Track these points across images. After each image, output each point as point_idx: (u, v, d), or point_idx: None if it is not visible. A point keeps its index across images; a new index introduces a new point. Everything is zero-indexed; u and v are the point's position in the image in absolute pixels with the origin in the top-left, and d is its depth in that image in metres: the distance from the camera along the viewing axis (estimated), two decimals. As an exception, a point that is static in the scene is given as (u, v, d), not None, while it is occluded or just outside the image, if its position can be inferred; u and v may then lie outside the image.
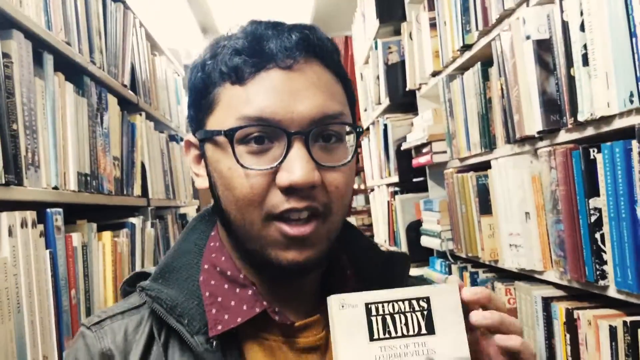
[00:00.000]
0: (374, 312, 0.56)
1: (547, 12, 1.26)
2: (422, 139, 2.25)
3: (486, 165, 1.69)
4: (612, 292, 1.12)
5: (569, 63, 1.18)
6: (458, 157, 1.96)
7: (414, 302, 0.57)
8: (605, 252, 1.11)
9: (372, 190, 3.52)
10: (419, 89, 2.43)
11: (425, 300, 0.57)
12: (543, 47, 1.29)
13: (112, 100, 1.74)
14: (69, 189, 1.36)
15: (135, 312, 0.67)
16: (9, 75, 1.10)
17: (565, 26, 1.18)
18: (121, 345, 0.65)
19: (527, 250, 1.45)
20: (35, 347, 1.09)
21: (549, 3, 1.26)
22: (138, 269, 1.82)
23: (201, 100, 0.65)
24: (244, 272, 0.67)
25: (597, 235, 1.12)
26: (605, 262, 1.11)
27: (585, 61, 1.12)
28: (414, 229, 2.52)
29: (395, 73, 2.60)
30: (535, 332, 1.42)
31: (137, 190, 1.96)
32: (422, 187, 2.51)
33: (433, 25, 2.12)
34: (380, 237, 3.30)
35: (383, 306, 0.56)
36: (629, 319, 1.05)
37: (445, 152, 2.09)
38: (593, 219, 1.13)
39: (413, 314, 0.56)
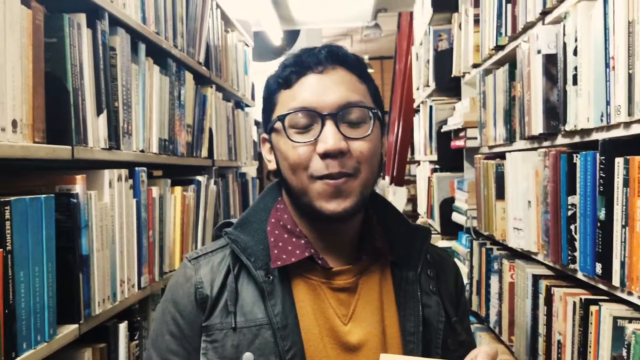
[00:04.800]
0: None
1: (556, 32, 1.46)
2: (458, 124, 2.46)
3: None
4: (579, 275, 1.35)
5: (565, 79, 1.38)
6: (487, 145, 2.17)
7: None
8: (576, 241, 1.34)
9: (419, 163, 3.74)
10: (463, 76, 2.63)
11: None
12: (550, 62, 1.48)
13: (188, 77, 2.07)
14: (152, 151, 1.70)
15: (220, 251, 0.93)
16: (113, 64, 1.43)
17: (565, 47, 1.38)
18: (208, 275, 0.91)
19: (526, 234, 1.68)
20: (122, 270, 1.45)
21: (558, 23, 1.45)
22: (201, 218, 2.17)
23: (268, 105, 0.94)
24: (299, 227, 0.92)
25: (572, 227, 1.35)
26: (576, 250, 1.34)
27: (575, 81, 1.32)
28: (448, 205, 2.76)
29: (443, 59, 2.80)
30: (525, 303, 1.67)
31: (204, 152, 2.30)
32: (460, 167, 2.73)
33: (477, 22, 2.29)
34: (421, 209, 3.54)
35: None
36: (584, 296, 1.29)
37: (476, 138, 2.30)
38: (570, 213, 1.36)
39: None
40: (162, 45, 1.78)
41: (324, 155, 0.86)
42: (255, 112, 3.97)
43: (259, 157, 5.42)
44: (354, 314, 0.90)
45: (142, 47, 1.61)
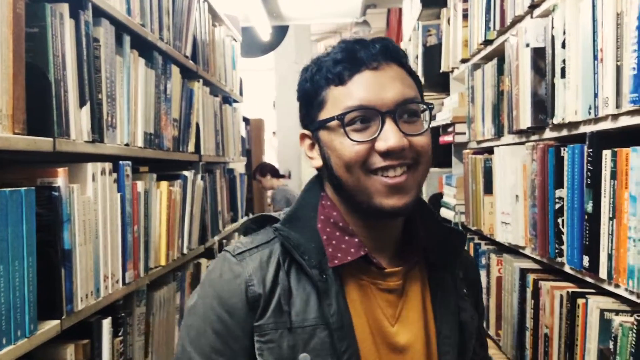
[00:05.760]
0: None
1: (545, 25, 1.46)
2: (447, 120, 2.46)
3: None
4: (566, 268, 1.35)
5: (553, 73, 1.38)
6: (475, 140, 2.17)
7: None
8: (563, 234, 1.34)
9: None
10: (451, 71, 2.62)
11: None
12: (539, 55, 1.48)
13: (175, 70, 2.04)
14: (137, 145, 1.68)
15: (266, 247, 0.89)
16: (97, 55, 1.41)
17: (553, 41, 1.38)
18: (258, 272, 0.86)
19: (513, 228, 1.68)
20: (105, 266, 1.42)
21: (547, 16, 1.45)
22: (187, 214, 2.15)
23: (313, 102, 0.90)
24: (351, 225, 0.89)
25: (559, 220, 1.35)
26: (563, 243, 1.34)
27: (563, 74, 1.32)
28: (436, 201, 2.75)
29: (432, 55, 2.79)
30: (513, 297, 1.67)
31: (191, 147, 2.28)
32: (448, 163, 2.73)
33: (465, 16, 2.29)
34: (410, 205, 3.54)
35: None
36: (571, 289, 1.29)
37: (465, 133, 2.30)
38: (557, 206, 1.35)
39: None
40: (148, 38, 1.76)
41: (386, 154, 0.84)
42: (244, 107, 3.95)
43: (247, 153, 5.40)
44: (401, 315, 0.89)
45: (127, 39, 1.59)
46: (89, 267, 1.32)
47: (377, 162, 0.84)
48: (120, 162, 1.51)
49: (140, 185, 1.65)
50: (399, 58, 0.89)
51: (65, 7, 1.26)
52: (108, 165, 1.42)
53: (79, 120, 1.31)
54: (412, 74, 0.91)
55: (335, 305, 0.84)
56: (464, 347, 0.91)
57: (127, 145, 1.59)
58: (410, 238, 0.92)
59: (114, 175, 1.46)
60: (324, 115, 0.88)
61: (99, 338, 1.39)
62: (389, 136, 0.83)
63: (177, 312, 2.06)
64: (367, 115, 0.85)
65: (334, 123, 0.86)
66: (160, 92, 1.88)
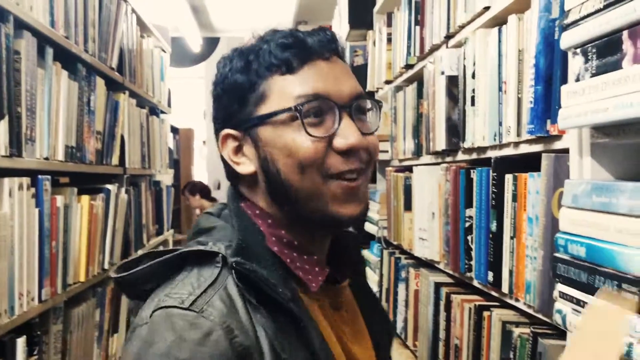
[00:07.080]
0: None
1: (458, 55, 1.56)
2: (371, 138, 2.55)
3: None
4: (475, 283, 1.44)
5: (465, 100, 1.48)
6: (397, 158, 2.27)
7: None
8: (472, 251, 1.43)
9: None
10: (376, 91, 2.72)
11: None
12: (452, 83, 1.58)
13: (99, 82, 2.01)
14: (57, 159, 1.64)
15: (216, 288, 0.69)
16: (17, 68, 1.38)
17: (465, 70, 1.48)
18: (231, 318, 0.67)
19: (430, 243, 1.78)
20: (21, 283, 1.39)
21: (460, 47, 1.56)
22: (110, 228, 2.11)
23: (248, 95, 0.75)
24: (303, 242, 0.77)
25: (469, 238, 1.44)
26: (472, 259, 1.44)
27: (473, 102, 1.42)
28: (361, 215, 2.84)
29: (359, 74, 2.88)
30: (428, 309, 1.76)
31: (115, 160, 2.24)
32: (373, 179, 2.82)
33: (389, 40, 2.40)
34: (337, 219, 3.62)
35: None
36: (478, 303, 1.38)
37: (387, 151, 2.40)
38: (467, 224, 1.45)
39: None
40: (72, 50, 1.73)
41: (346, 152, 0.73)
42: (173, 117, 3.91)
43: (175, 163, 5.31)
44: (353, 331, 0.82)
45: (50, 51, 1.56)
46: (3, 284, 1.29)
47: (338, 164, 0.73)
48: (39, 176, 1.48)
49: (59, 200, 1.61)
50: (343, 52, 0.80)
51: (-17, 19, 1.23)
52: (26, 180, 1.38)
53: (-4, 134, 1.28)
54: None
55: (317, 338, 0.72)
56: (387, 349, 0.90)
57: (46, 159, 1.56)
58: (338, 249, 0.83)
59: (32, 190, 1.43)
60: (266, 109, 0.74)
61: (12, 357, 1.34)
62: (349, 133, 0.73)
63: (96, 329, 2.01)
64: (323, 108, 0.74)
65: (285, 116, 0.73)
66: (84, 104, 1.85)
